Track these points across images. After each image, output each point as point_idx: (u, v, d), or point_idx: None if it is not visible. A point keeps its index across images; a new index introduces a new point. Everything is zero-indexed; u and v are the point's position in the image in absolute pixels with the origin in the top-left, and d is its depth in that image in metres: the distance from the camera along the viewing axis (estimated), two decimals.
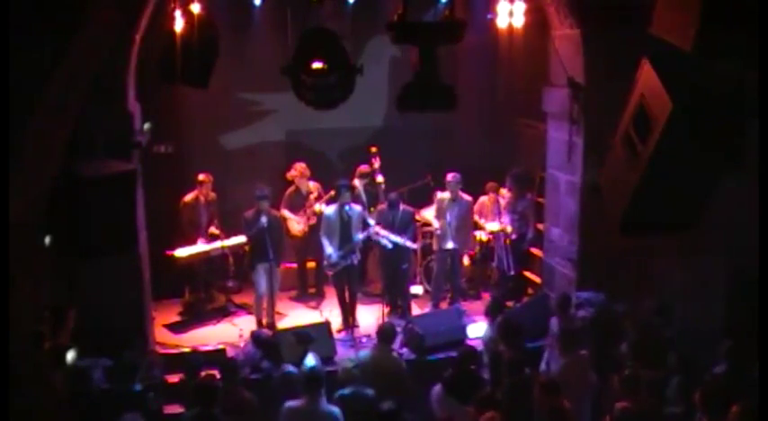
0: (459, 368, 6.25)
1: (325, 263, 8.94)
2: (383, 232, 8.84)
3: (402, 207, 9.10)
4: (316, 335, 8.05)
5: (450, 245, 9.27)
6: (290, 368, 6.57)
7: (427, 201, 9.87)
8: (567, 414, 5.54)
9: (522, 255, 9.55)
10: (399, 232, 8.90)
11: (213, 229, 9.27)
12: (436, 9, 7.68)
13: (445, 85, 5.75)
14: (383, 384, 6.19)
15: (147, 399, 6.26)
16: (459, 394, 5.89)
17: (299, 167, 9.67)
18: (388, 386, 6.20)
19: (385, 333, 6.82)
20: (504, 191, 9.64)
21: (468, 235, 9.46)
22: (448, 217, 9.19)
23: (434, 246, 9.54)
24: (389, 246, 8.85)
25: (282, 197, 9.72)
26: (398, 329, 8.60)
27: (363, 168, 9.63)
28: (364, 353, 7.13)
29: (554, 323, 7.26)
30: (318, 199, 9.57)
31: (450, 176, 9.21)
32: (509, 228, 9.33)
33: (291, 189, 9.73)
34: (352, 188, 9.04)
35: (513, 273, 9.35)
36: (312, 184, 9.71)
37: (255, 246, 8.79)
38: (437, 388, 6.10)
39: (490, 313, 7.46)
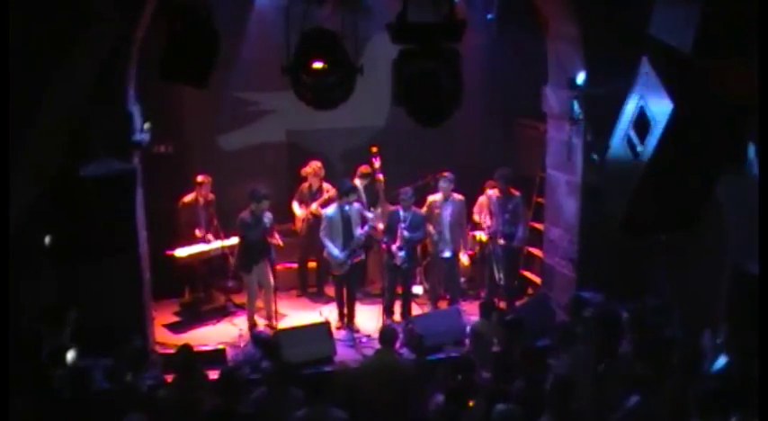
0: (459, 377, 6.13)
1: (333, 263, 8.92)
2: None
3: (413, 209, 8.98)
4: (315, 336, 8.09)
5: (447, 254, 9.20)
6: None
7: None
8: (573, 413, 5.53)
9: (514, 256, 9.38)
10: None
11: (210, 238, 9.28)
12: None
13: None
14: (387, 386, 6.14)
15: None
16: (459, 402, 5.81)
17: (314, 165, 9.76)
18: (392, 388, 6.16)
19: (386, 335, 6.75)
20: (490, 192, 9.49)
21: (465, 234, 9.40)
22: (444, 218, 9.14)
23: (429, 248, 9.51)
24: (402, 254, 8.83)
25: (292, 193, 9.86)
26: (399, 331, 8.63)
27: (364, 168, 9.63)
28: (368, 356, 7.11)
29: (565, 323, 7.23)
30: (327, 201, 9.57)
31: (442, 175, 9.16)
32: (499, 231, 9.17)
33: (305, 184, 9.83)
34: (355, 189, 9.04)
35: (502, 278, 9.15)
36: (325, 185, 9.74)
37: (257, 246, 8.77)
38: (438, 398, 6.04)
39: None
